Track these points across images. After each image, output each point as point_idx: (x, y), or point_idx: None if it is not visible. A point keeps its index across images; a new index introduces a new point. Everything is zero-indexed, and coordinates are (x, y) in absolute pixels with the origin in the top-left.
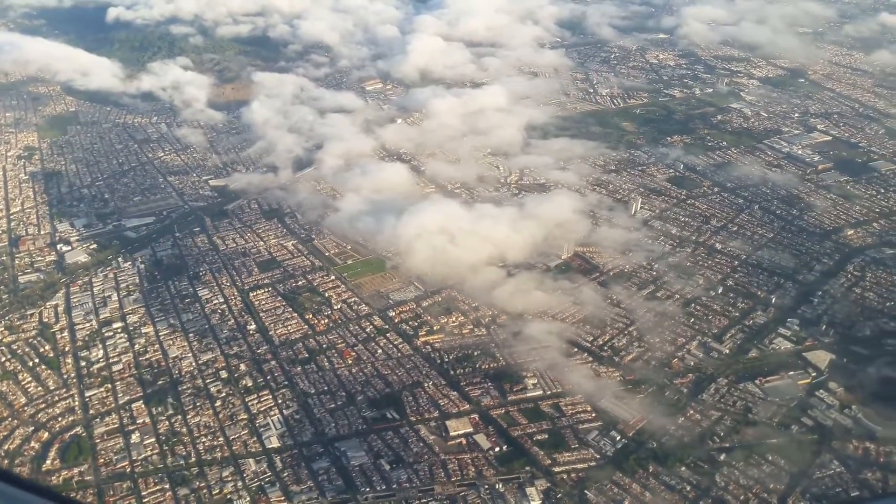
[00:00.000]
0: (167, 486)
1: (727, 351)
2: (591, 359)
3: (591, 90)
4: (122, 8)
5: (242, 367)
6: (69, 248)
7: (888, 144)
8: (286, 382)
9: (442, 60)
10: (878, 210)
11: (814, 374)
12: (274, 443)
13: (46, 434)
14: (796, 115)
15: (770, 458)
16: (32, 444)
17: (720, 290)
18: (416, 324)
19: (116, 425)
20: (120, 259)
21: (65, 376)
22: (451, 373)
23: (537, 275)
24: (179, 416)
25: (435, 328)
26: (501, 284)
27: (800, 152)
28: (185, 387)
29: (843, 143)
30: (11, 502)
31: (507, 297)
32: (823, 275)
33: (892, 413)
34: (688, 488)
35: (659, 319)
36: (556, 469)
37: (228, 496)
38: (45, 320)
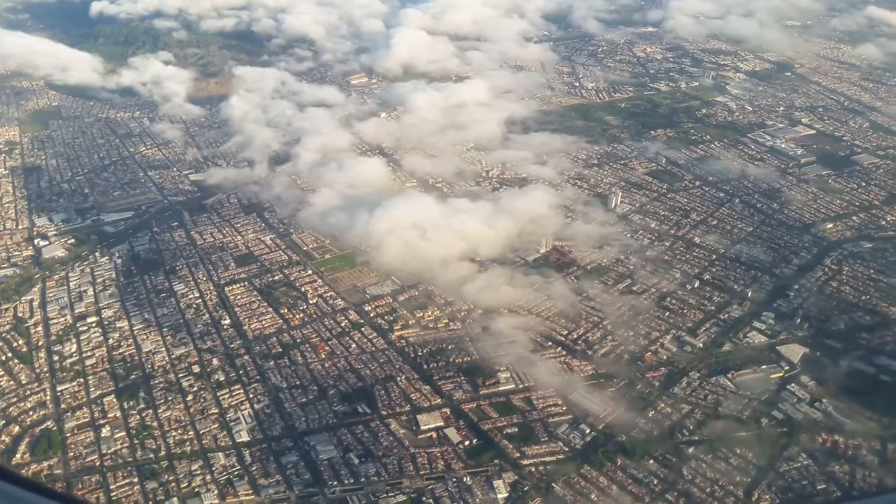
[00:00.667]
0: (136, 480)
1: (701, 345)
2: (564, 353)
3: (577, 84)
4: (106, 2)
5: (215, 361)
6: (47, 242)
7: (871, 138)
8: (258, 377)
9: (425, 54)
10: (857, 204)
11: (786, 368)
12: (244, 437)
13: (17, 428)
14: (781, 108)
15: (738, 451)
16: (3, 437)
17: (696, 284)
18: (392, 318)
19: (87, 419)
20: (97, 254)
21: (37, 370)
22: (425, 367)
23: (511, 270)
24: (151, 410)
25: (410, 322)
26: (472, 279)
27: (783, 146)
28: (157, 381)
29: (827, 137)
30: (13, 502)
31: (478, 292)
32: (801, 268)
33: (862, 406)
34: (655, 481)
35: (634, 313)
36: (525, 462)
37: (197, 490)
38: (20, 315)
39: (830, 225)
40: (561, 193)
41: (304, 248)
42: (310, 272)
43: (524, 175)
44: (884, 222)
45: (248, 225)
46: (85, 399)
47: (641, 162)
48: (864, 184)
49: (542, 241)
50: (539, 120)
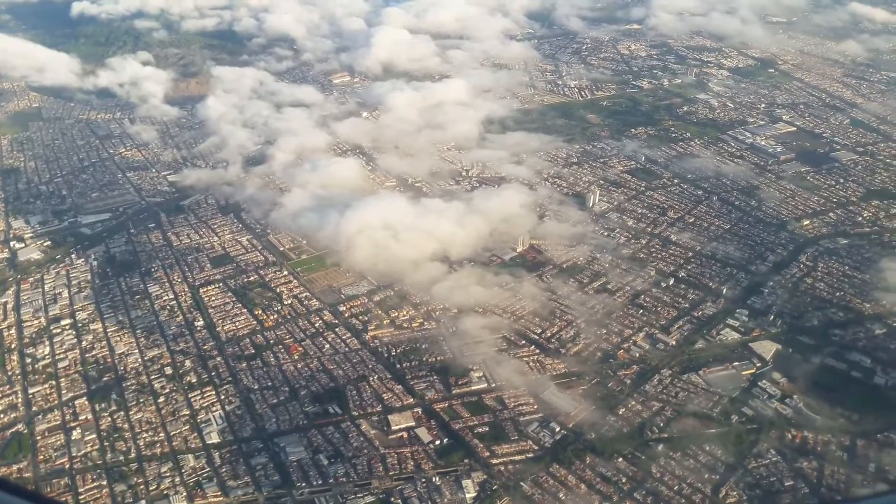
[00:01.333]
0: (105, 483)
1: (673, 342)
2: (536, 351)
3: (560, 82)
4: (87, 2)
5: (188, 363)
6: (22, 245)
7: (851, 134)
8: (230, 378)
9: (407, 53)
10: (835, 200)
11: (758, 365)
12: (214, 438)
13: None
14: (763, 105)
15: (707, 448)
16: None
17: (671, 282)
18: (367, 318)
19: (58, 422)
20: (73, 256)
21: (9, 373)
22: (398, 367)
23: (482, 269)
24: (122, 413)
25: (384, 322)
26: (442, 280)
27: (763, 143)
28: (129, 383)
29: (807, 134)
30: None
31: (447, 292)
32: (776, 265)
33: (832, 403)
34: (623, 480)
35: (607, 311)
36: (494, 461)
37: (165, 492)
38: None
39: (807, 222)
40: (536, 192)
41: (281, 249)
42: (286, 273)
43: (497, 174)
44: (860, 218)
45: (224, 226)
46: (56, 402)
47: (621, 160)
48: (842, 180)
49: (518, 240)
50: (518, 119)
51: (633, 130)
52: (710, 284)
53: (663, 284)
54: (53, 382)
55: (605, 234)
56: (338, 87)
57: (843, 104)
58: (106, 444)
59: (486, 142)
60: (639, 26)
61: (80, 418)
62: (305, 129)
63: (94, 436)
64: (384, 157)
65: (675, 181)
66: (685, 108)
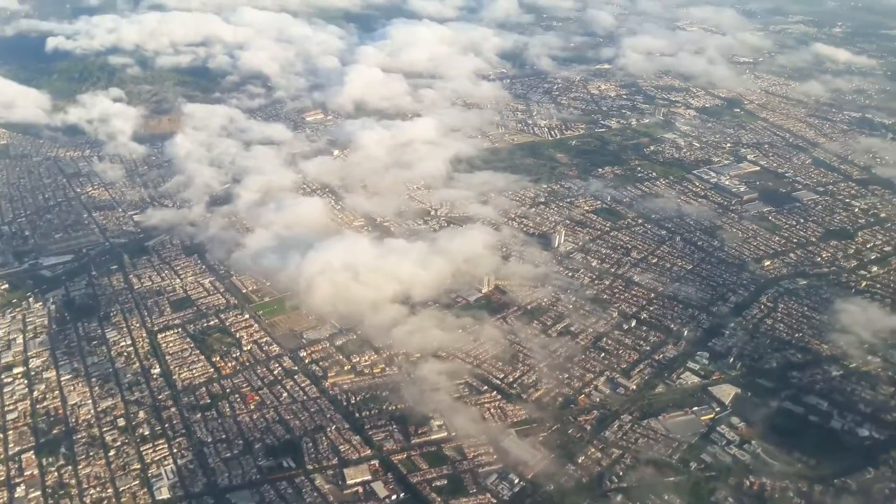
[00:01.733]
0: None
1: (634, 387)
2: (498, 397)
3: (530, 121)
4: (62, 38)
5: (141, 414)
6: None
7: (813, 174)
8: (184, 430)
9: (379, 92)
10: (795, 241)
11: (717, 409)
12: (164, 494)
13: None
14: (728, 144)
15: (666, 497)
16: None
17: (633, 324)
18: (327, 364)
19: (2, 478)
20: (31, 299)
21: None
22: (357, 416)
23: (443, 312)
24: (70, 467)
25: (345, 368)
26: (402, 323)
27: (727, 183)
28: (80, 435)
29: (771, 174)
30: None
31: (407, 335)
32: (737, 307)
33: (790, 447)
34: None
35: (570, 354)
36: None
37: None
38: None
39: (768, 262)
40: (502, 232)
41: (244, 291)
42: (247, 316)
43: (463, 214)
44: (819, 259)
45: (187, 267)
46: (2, 456)
47: (587, 199)
48: (802, 220)
49: (483, 281)
50: (487, 158)
51: (600, 170)
52: (672, 326)
53: (625, 326)
54: (1, 435)
55: (570, 274)
56: (310, 124)
57: (806, 143)
58: (51, 500)
59: (454, 181)
60: (609, 66)
61: (26, 473)
62: (273, 168)
63: (38, 493)
64: (352, 196)
65: (640, 221)
66: (652, 148)
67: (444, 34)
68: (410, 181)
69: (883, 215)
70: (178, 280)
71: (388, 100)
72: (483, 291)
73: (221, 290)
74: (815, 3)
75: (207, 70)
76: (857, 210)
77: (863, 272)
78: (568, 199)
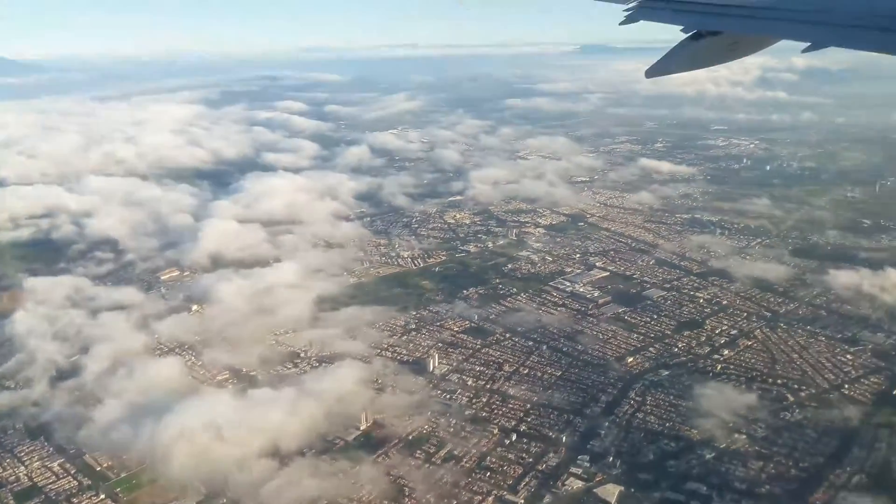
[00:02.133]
0: None
1: (522, 501)
2: None
3: (393, 254)
4: None
5: None
6: None
7: (658, 273)
8: None
9: (236, 243)
10: (652, 335)
11: None
12: None
13: None
14: (578, 255)
15: None
16: None
17: (514, 438)
18: None
19: None
20: None
21: None
22: None
23: (322, 458)
24: None
25: None
26: (271, 479)
27: (582, 290)
28: None
29: (620, 277)
30: None
31: (277, 492)
32: (608, 405)
33: None
34: None
35: (455, 480)
36: None
37: None
38: None
39: (631, 359)
40: (372, 365)
41: (98, 469)
42: (103, 496)
43: (338, 351)
44: (676, 349)
45: (33, 452)
46: None
47: (455, 321)
48: (655, 316)
49: (360, 418)
50: (353, 294)
51: (464, 291)
52: (551, 434)
53: (507, 442)
54: None
55: (447, 396)
56: (165, 283)
57: (647, 246)
58: None
59: (319, 321)
60: (461, 197)
61: None
62: (123, 333)
63: None
64: (213, 351)
65: (508, 335)
66: (510, 266)
67: (299, 182)
68: (274, 327)
69: (725, 302)
70: (22, 468)
71: (246, 249)
72: (361, 428)
73: (73, 472)
74: (636, 124)
75: (51, 241)
76: (701, 301)
77: (716, 356)
78: (437, 323)
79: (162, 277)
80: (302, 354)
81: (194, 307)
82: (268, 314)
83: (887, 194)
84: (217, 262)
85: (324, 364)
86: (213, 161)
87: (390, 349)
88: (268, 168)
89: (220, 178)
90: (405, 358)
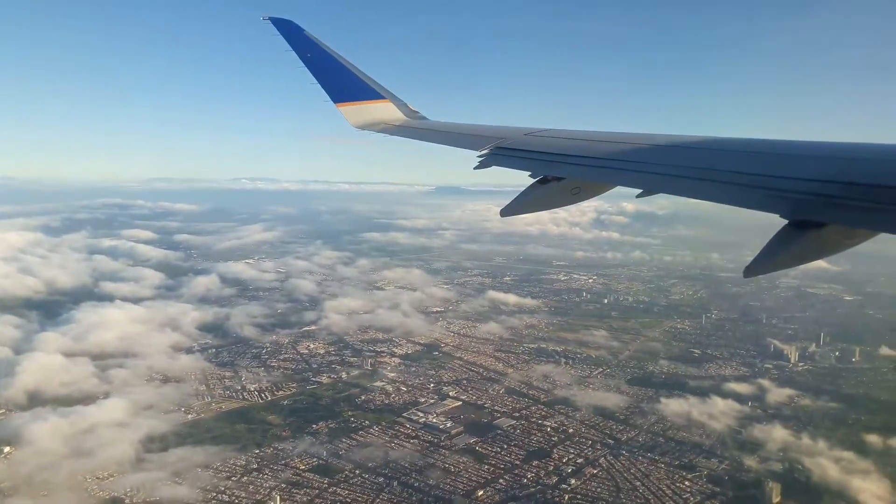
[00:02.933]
0: None
1: None
2: None
3: (239, 387)
4: None
5: None
6: None
7: (507, 402)
8: None
9: (59, 378)
10: (502, 466)
11: None
12: None
13: None
14: (432, 384)
15: None
16: None
17: None
18: None
19: None
20: None
21: None
22: None
23: None
24: None
25: None
26: None
27: (435, 420)
28: None
29: (472, 406)
30: None
31: None
32: None
33: None
34: None
35: None
36: None
37: None
38: None
39: (481, 492)
40: None
41: None
42: None
43: (161, 498)
44: (525, 480)
45: None
46: None
47: (302, 458)
48: (505, 446)
49: None
50: (186, 432)
51: (314, 426)
52: None
53: None
54: None
55: None
56: None
57: (497, 375)
58: None
59: (144, 463)
60: (315, 327)
61: None
62: None
63: None
64: (17, 500)
65: (357, 472)
66: (363, 397)
67: (137, 313)
68: (93, 471)
69: (571, 431)
70: None
71: (71, 385)
72: None
73: None
74: (486, 259)
75: None
76: (549, 429)
77: (563, 485)
78: (282, 462)
79: None
80: (128, 501)
81: (6, 449)
82: (87, 456)
83: (712, 326)
84: (35, 400)
85: None
86: (46, 290)
87: (226, 492)
88: (104, 298)
89: (50, 308)
90: (242, 503)
